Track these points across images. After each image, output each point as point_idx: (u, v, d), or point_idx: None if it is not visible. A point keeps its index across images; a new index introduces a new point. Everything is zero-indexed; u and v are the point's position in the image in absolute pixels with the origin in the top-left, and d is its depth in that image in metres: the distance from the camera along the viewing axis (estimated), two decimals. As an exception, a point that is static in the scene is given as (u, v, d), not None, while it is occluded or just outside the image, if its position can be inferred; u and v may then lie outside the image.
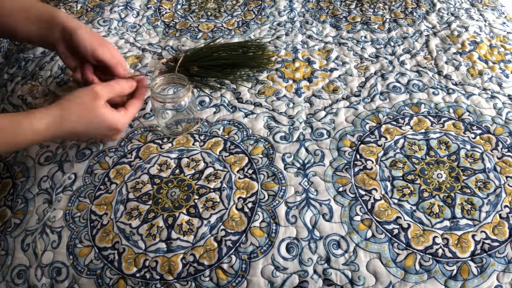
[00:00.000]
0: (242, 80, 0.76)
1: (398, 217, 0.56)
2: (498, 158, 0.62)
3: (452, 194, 0.58)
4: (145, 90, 0.66)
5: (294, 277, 0.53)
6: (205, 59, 0.78)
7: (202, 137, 0.66)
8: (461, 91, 0.72)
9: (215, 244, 0.54)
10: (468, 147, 0.63)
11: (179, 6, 0.97)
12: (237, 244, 0.54)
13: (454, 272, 0.52)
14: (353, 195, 0.58)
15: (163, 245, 0.55)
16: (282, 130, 0.67)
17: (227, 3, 0.97)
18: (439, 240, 0.54)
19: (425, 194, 0.58)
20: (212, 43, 0.84)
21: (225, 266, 0.53)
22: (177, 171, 0.62)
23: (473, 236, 0.54)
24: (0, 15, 0.64)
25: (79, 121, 0.56)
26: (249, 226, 0.55)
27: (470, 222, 0.55)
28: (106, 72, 0.65)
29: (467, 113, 0.68)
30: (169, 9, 0.96)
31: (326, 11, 0.94)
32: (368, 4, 0.95)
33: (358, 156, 0.63)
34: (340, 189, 0.59)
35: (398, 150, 0.63)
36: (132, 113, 0.63)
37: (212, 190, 0.59)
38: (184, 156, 0.63)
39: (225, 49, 0.81)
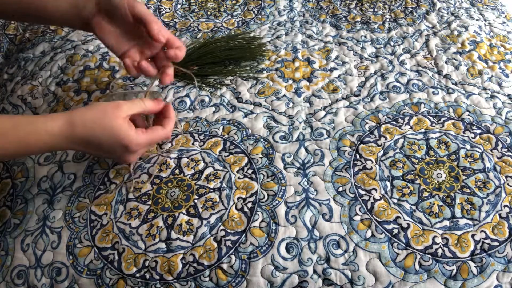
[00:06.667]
0: (242, 76, 0.76)
1: (397, 217, 0.56)
2: (498, 158, 0.62)
3: (452, 194, 0.58)
4: (172, 120, 0.60)
5: (294, 277, 0.53)
6: (204, 57, 0.78)
7: (201, 137, 0.66)
8: (461, 90, 0.72)
9: (215, 244, 0.54)
10: (468, 146, 0.63)
11: (178, 6, 0.97)
12: (237, 244, 0.54)
13: (454, 271, 0.52)
14: (352, 195, 0.58)
15: (162, 245, 0.55)
16: (281, 130, 0.67)
17: (227, 2, 0.97)
18: (438, 240, 0.54)
19: (425, 194, 0.58)
20: (203, 40, 0.83)
21: (224, 266, 0.53)
22: (177, 171, 0.62)
23: (472, 235, 0.54)
24: None
25: (93, 128, 0.52)
26: (248, 226, 0.55)
27: (469, 222, 0.55)
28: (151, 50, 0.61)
29: (467, 113, 0.68)
30: (169, 8, 0.96)
31: (326, 10, 0.94)
32: (368, 4, 0.95)
33: (357, 156, 0.63)
34: (340, 189, 0.59)
35: (397, 150, 0.63)
36: (150, 137, 0.56)
37: (211, 190, 0.59)
38: (184, 156, 0.63)
39: (221, 45, 0.81)
